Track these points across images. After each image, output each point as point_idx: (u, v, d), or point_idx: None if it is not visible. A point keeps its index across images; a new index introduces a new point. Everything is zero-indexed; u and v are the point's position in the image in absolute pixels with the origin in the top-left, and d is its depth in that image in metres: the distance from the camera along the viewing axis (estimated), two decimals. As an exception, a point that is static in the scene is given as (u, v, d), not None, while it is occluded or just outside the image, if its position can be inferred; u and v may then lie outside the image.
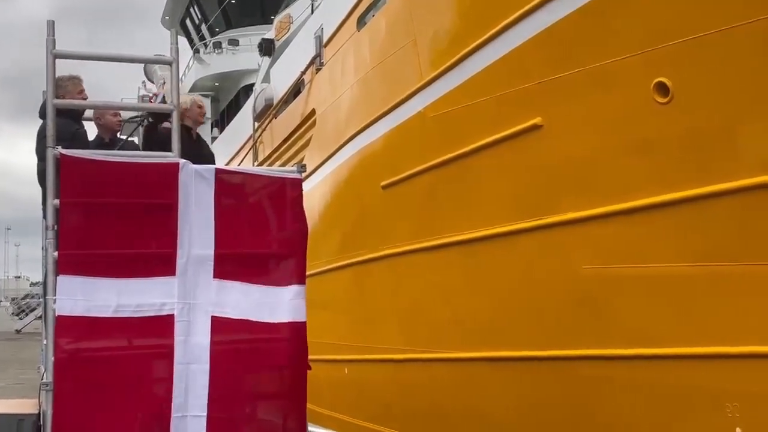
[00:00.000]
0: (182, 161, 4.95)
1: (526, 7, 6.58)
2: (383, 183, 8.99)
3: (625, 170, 5.94)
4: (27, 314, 46.90)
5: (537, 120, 6.67)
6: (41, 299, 8.50)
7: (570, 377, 6.51)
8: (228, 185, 5.07)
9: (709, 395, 5.46)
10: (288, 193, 5.15)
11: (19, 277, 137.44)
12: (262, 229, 5.15)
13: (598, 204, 6.15)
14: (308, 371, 5.06)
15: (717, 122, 5.42)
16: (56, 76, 5.12)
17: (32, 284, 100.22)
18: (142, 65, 23.34)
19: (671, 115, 5.58)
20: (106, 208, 4.74)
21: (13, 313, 52.67)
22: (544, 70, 6.56)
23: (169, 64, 5.27)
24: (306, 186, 10.77)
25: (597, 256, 6.26)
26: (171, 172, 4.87)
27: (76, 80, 6.28)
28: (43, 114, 5.60)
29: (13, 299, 70.56)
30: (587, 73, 6.16)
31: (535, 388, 6.85)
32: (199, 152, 6.40)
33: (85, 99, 6.29)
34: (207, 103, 22.51)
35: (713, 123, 5.43)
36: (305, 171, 5.35)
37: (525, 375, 6.96)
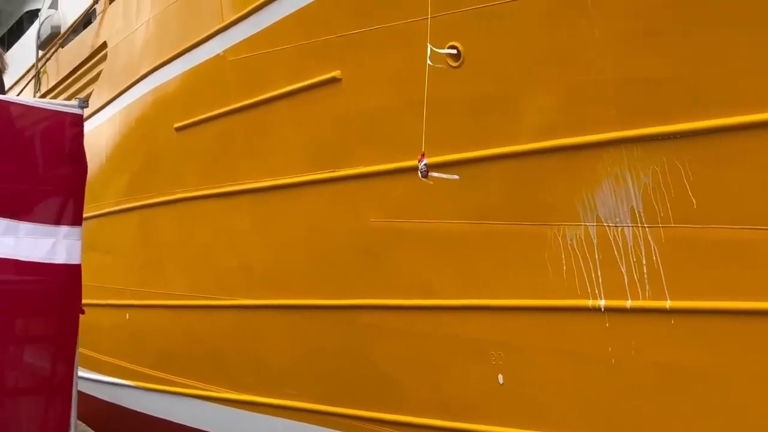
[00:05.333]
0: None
1: (331, -41, 6.58)
2: (177, 125, 8.72)
3: (415, 129, 6.14)
4: None
5: (336, 73, 6.72)
6: None
7: (350, 325, 6.74)
8: (1, 116, 4.69)
9: (475, 344, 5.86)
10: (67, 128, 4.85)
11: None
12: (37, 165, 4.84)
13: (388, 160, 6.34)
14: (81, 315, 4.84)
15: (501, 89, 5.73)
16: None
17: None
18: None
19: (461, 78, 5.83)
20: None
21: None
22: (345, 23, 6.60)
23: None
24: (93, 123, 10.30)
25: (383, 210, 6.47)
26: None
27: None
28: None
29: None
30: (386, 31, 6.28)
31: (316, 336, 7.04)
32: None
33: None
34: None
35: (498, 89, 5.73)
36: (87, 106, 5.06)
37: (307, 323, 7.12)
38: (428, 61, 5.28)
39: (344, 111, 6.72)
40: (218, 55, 8.03)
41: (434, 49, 5.28)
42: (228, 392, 8.09)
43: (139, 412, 9.60)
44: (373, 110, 6.50)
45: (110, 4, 10.81)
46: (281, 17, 7.25)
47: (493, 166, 5.74)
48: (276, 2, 7.19)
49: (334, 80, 6.73)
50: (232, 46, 7.84)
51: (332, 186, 6.87)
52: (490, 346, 5.78)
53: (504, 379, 5.72)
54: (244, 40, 7.70)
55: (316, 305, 7.04)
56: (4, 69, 7.70)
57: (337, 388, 6.99)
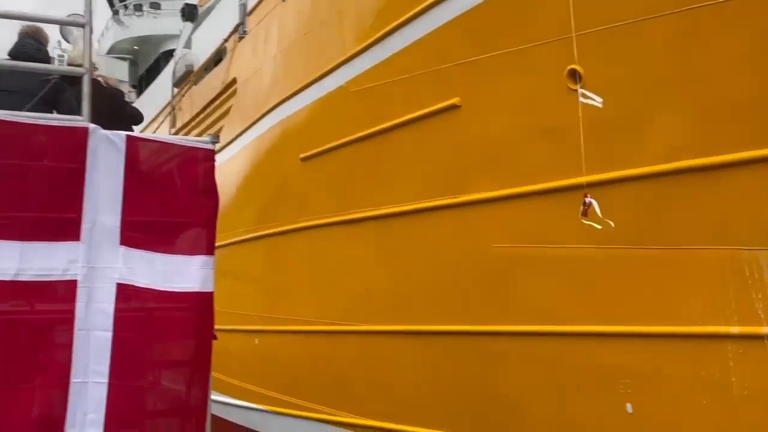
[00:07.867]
0: (92, 126, 4.84)
1: (448, -11, 6.65)
2: (302, 155, 9.00)
3: (535, 153, 6.10)
4: None
5: (455, 100, 6.78)
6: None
7: (474, 351, 6.69)
8: (139, 152, 4.98)
9: (603, 372, 5.70)
10: (200, 163, 5.09)
11: None
12: (172, 199, 5.09)
13: (509, 185, 6.31)
14: (213, 341, 5.05)
15: (624, 111, 5.60)
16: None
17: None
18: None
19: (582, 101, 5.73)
20: (9, 169, 4.61)
21: None
22: (463, 52, 6.65)
23: (82, 26, 5.12)
24: (224, 155, 10.72)
25: (506, 236, 6.43)
26: (79, 136, 4.77)
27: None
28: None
29: None
30: (504, 58, 6.29)
31: (438, 362, 7.03)
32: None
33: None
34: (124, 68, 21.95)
35: (621, 111, 5.61)
36: (218, 141, 5.30)
37: (430, 349, 7.12)
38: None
39: (464, 137, 6.75)
40: (341, 86, 8.25)
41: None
42: (353, 417, 8.18)
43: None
44: (493, 136, 6.49)
45: (240, 42, 11.30)
46: (401, 48, 7.38)
47: (617, 190, 5.60)
48: (395, 34, 7.34)
49: (453, 107, 6.78)
50: (354, 77, 8.04)
51: (453, 212, 6.89)
52: (619, 374, 5.61)
53: (633, 408, 5.53)
54: (366, 71, 7.88)
55: (438, 331, 7.05)
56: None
57: (460, 414, 6.95)
